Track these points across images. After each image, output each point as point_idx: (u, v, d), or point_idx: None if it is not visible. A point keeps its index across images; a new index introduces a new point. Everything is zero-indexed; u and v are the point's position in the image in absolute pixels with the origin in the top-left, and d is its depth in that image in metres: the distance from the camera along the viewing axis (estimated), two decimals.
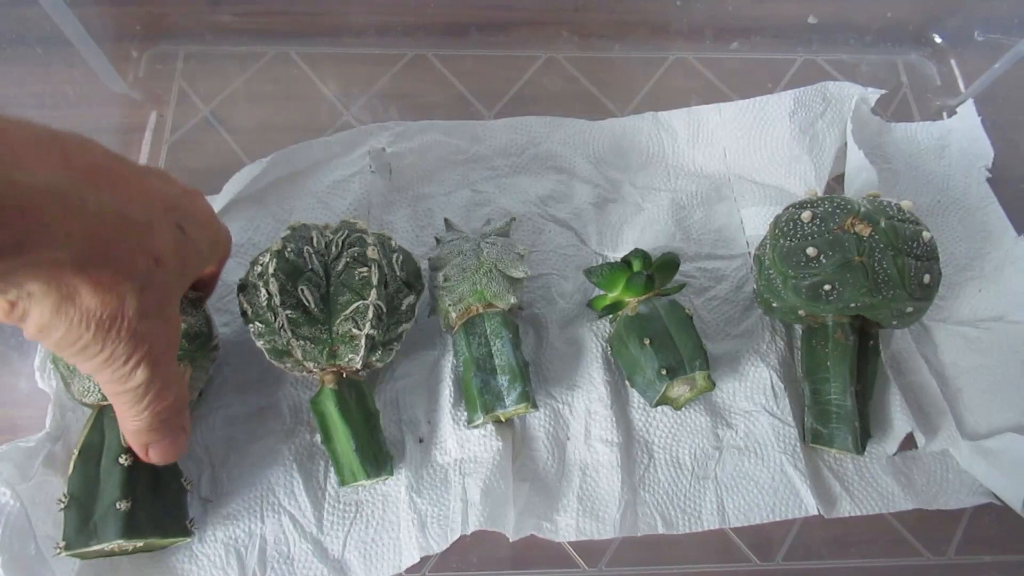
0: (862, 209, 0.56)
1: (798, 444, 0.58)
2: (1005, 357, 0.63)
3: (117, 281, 0.37)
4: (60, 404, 0.56)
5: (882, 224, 0.55)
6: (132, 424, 0.45)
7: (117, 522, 0.47)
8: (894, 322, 0.58)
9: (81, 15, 0.69)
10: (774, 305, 0.59)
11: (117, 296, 0.37)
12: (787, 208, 0.59)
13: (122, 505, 0.47)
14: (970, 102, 0.75)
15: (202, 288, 0.55)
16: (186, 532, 0.52)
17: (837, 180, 0.72)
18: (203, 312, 0.55)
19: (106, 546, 0.48)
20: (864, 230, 0.55)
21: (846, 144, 0.70)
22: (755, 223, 0.68)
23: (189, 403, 0.53)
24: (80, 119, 0.72)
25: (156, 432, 0.46)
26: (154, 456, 0.47)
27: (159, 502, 0.50)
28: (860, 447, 0.56)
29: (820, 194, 0.67)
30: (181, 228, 0.43)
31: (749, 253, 0.67)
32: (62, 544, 0.48)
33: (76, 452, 0.50)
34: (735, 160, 0.72)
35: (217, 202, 0.65)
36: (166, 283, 0.41)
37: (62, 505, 0.49)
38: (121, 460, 0.49)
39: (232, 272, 0.63)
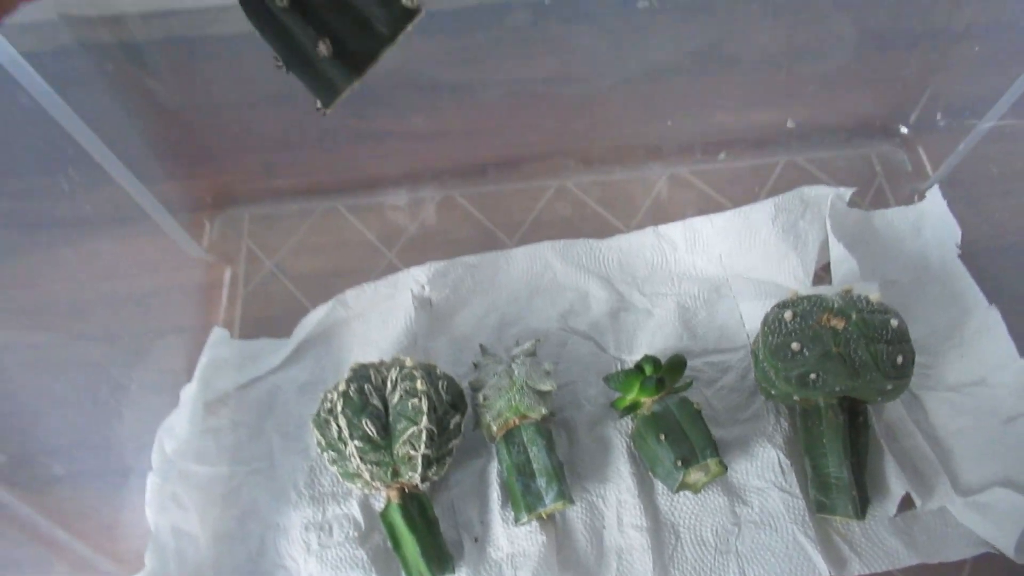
0: (835, 305, 0.64)
1: (807, 514, 0.65)
2: (987, 418, 0.69)
3: None
4: (159, 544, 0.65)
5: (854, 317, 0.63)
6: None
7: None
8: (879, 398, 0.66)
9: (157, 192, 0.80)
10: (772, 392, 0.68)
11: None
12: (772, 308, 0.68)
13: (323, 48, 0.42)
14: (936, 187, 0.83)
15: None
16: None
17: (826, 268, 0.80)
18: None
19: None
20: (839, 324, 0.63)
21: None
22: (754, 316, 0.76)
23: None
24: (165, 282, 0.85)
25: None
26: None
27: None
28: (860, 513, 0.63)
29: (809, 285, 0.76)
30: None
31: (749, 345, 0.76)
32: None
33: None
34: (731, 262, 0.81)
35: (288, 345, 0.77)
36: None
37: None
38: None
39: (305, 406, 0.74)
